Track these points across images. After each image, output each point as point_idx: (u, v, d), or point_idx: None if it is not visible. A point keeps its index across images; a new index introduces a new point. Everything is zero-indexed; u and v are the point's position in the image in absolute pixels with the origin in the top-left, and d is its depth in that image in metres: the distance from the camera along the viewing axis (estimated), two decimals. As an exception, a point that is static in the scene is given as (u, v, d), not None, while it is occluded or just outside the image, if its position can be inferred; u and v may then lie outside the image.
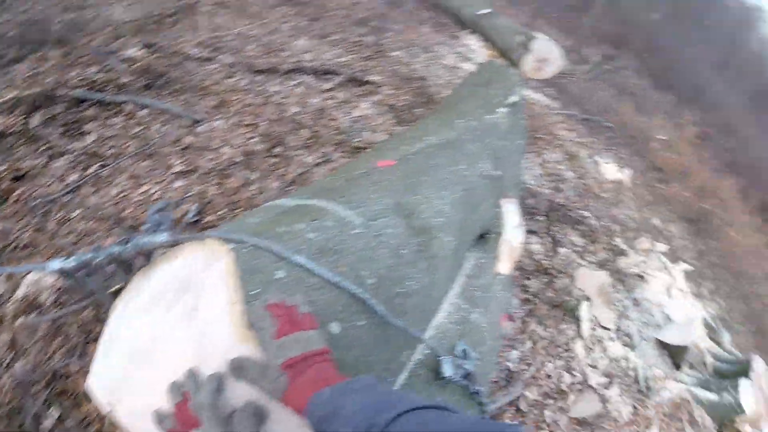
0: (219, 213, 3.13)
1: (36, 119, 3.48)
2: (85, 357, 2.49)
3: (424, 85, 5.59)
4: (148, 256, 1.35)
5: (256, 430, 1.04)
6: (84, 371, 2.42)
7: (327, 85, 4.64)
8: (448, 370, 1.59)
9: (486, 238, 2.66)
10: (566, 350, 3.52)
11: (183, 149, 3.48)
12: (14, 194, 3.09)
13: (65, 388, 2.45)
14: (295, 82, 4.51)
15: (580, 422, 3.12)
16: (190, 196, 3.19)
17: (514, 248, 2.81)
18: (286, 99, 4.27)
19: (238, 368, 1.05)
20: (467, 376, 1.66)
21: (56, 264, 1.32)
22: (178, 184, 3.25)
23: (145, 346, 1.21)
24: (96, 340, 2.50)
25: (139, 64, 4.00)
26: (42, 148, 3.34)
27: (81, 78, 3.79)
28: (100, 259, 1.33)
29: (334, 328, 1.26)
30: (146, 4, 5.08)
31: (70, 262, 1.32)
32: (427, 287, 1.66)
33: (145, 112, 3.68)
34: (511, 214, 2.80)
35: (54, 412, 2.36)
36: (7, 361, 2.51)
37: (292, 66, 4.63)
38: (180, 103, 3.84)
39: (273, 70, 4.50)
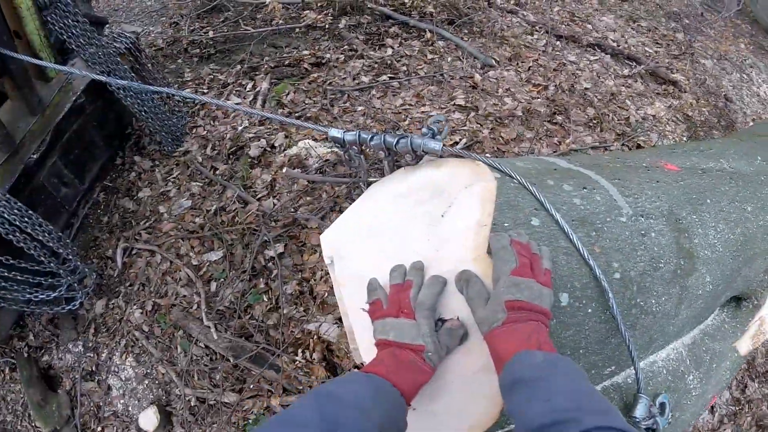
0: (485, 154, 2.96)
1: (343, 22, 3.62)
2: (325, 220, 2.57)
3: (729, 107, 4.73)
4: (419, 158, 1.41)
5: (453, 348, 1.06)
6: (318, 230, 2.55)
7: (626, 71, 4.12)
8: (640, 411, 1.34)
9: (740, 303, 2.13)
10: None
11: (470, 87, 3.34)
12: (312, 76, 3.27)
13: (297, 235, 2.59)
14: (593, 58, 4.08)
15: None
16: (464, 129, 3.04)
17: (765, 332, 2.19)
18: (580, 72, 3.88)
19: (465, 281, 1.05)
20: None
21: (337, 132, 1.39)
22: (456, 115, 3.11)
23: (381, 223, 1.32)
24: (339, 210, 2.61)
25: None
26: (343, 47, 3.46)
27: (388, -1, 3.87)
28: (376, 142, 1.36)
29: (564, 299, 1.17)
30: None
31: (350, 135, 1.38)
32: (665, 316, 1.46)
33: (442, 43, 3.61)
34: (784, 291, 2.22)
35: (279, 247, 2.56)
36: (262, 195, 2.75)
37: (594, 41, 4.20)
38: (476, 46, 3.70)
39: (573, 40, 4.13)
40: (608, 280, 1.23)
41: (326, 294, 2.33)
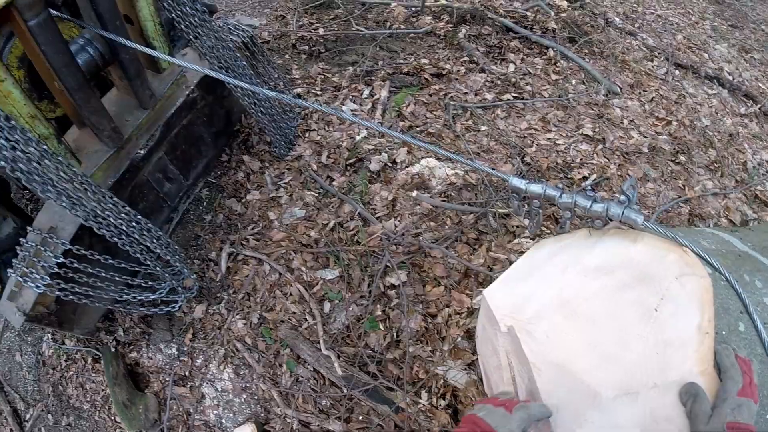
0: (613, 193, 2.76)
1: (462, 32, 3.42)
2: (451, 250, 2.41)
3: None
4: (606, 222, 1.27)
5: None
6: (442, 260, 2.40)
7: (743, 110, 3.88)
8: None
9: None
10: None
11: (596, 115, 3.14)
12: (432, 87, 3.09)
13: (420, 264, 2.42)
14: (711, 92, 3.84)
15: None
16: (592, 163, 2.85)
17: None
18: (699, 106, 3.65)
19: (693, 396, 1.04)
20: None
21: (519, 182, 1.28)
22: (583, 147, 2.92)
23: (577, 302, 1.24)
24: (465, 241, 2.46)
25: (564, 14, 3.71)
26: (463, 59, 3.27)
27: (507, 9, 3.64)
28: (566, 200, 1.24)
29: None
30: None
31: (535, 187, 1.27)
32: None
33: (565, 63, 3.40)
34: None
35: (401, 275, 2.39)
36: (381, 213, 2.57)
37: (712, 73, 3.96)
38: (598, 68, 3.49)
39: (692, 69, 3.89)
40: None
41: (458, 338, 2.19)
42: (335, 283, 2.47)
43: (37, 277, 1.87)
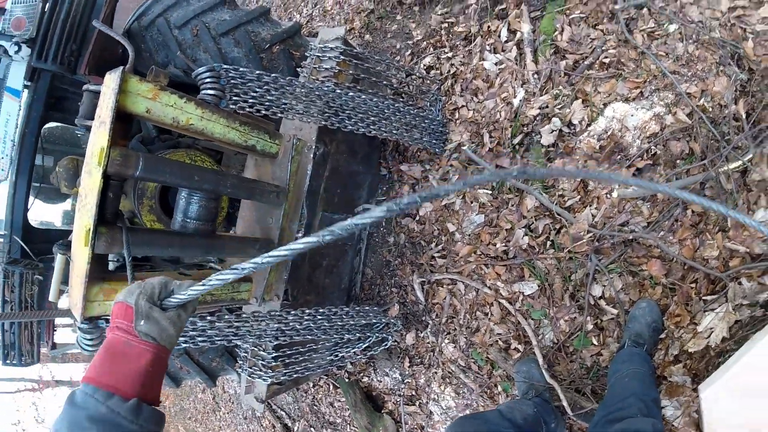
0: None
1: None
2: (666, 240, 1.91)
3: None
4: None
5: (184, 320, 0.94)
6: (659, 254, 1.93)
7: None
8: None
9: None
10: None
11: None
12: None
13: (631, 259, 1.99)
14: None
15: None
16: None
17: None
18: None
19: None
20: None
21: None
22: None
23: None
24: (692, 224, 1.90)
25: None
26: None
27: None
28: None
29: None
30: None
31: None
32: None
33: None
34: None
35: (616, 282, 2.01)
36: (574, 201, 2.13)
37: None
38: None
39: None
40: None
41: (673, 374, 1.79)
42: (536, 298, 2.16)
43: (261, 372, 2.09)
